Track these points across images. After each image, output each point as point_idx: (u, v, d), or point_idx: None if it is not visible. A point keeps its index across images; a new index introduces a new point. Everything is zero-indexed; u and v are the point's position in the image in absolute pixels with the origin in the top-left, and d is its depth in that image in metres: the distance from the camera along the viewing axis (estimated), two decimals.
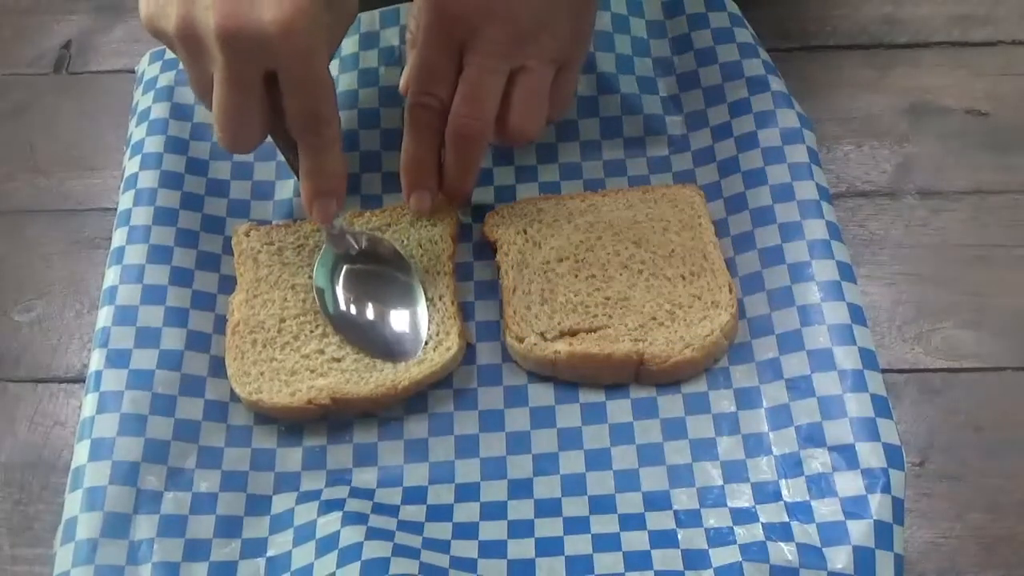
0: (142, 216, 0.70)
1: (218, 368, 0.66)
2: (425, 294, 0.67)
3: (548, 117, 0.67)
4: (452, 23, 0.62)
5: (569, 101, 0.67)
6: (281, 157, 0.69)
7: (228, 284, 0.70)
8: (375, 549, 0.56)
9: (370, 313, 0.67)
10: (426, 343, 0.65)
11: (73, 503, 0.60)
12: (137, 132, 0.75)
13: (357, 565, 0.55)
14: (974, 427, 0.66)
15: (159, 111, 0.75)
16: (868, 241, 0.73)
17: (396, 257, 0.68)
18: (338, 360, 0.65)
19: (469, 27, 0.62)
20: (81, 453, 0.61)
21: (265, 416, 0.65)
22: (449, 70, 0.63)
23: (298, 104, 0.58)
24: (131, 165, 0.73)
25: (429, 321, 0.66)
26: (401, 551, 0.56)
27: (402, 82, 0.67)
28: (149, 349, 0.65)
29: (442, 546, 0.58)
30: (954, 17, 0.84)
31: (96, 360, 0.64)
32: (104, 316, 0.66)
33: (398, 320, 0.67)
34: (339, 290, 0.67)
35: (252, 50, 0.54)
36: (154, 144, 0.73)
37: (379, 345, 0.66)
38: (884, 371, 0.62)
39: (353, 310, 0.67)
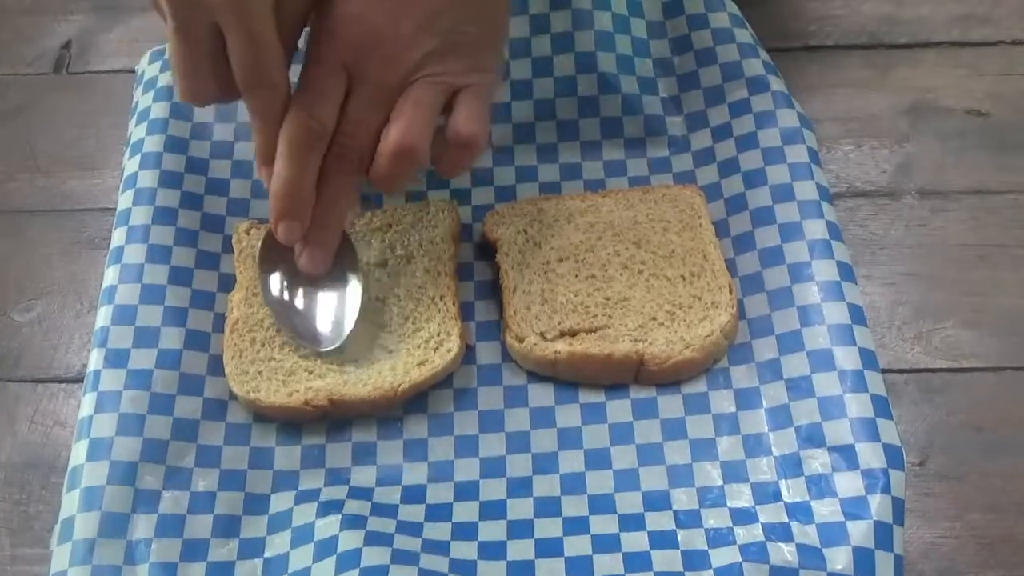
0: (141, 216, 0.69)
1: (217, 367, 0.66)
2: (426, 294, 0.67)
3: (460, 141, 0.62)
4: (341, 47, 0.59)
5: (478, 126, 0.62)
6: None
7: (228, 283, 0.70)
8: (374, 556, 0.56)
9: (299, 298, 0.67)
10: (426, 343, 0.65)
11: (70, 503, 0.60)
12: (137, 132, 0.74)
13: (356, 572, 0.55)
14: (974, 427, 0.66)
15: (159, 111, 0.75)
16: (868, 241, 0.73)
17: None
18: (337, 362, 0.65)
19: (358, 51, 0.59)
20: (79, 453, 0.61)
21: (264, 415, 0.65)
22: (335, 94, 0.60)
23: (236, 59, 0.57)
24: (130, 165, 0.73)
25: (429, 321, 0.66)
26: (400, 557, 0.56)
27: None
28: (147, 348, 0.65)
29: (441, 548, 0.58)
30: (954, 17, 0.84)
31: (95, 360, 0.64)
32: (103, 316, 0.66)
33: (324, 306, 0.66)
34: (276, 275, 0.67)
35: (192, 2, 0.55)
36: (154, 144, 0.73)
37: (304, 332, 0.66)
38: (884, 371, 0.62)
39: (286, 295, 0.67)
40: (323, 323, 0.66)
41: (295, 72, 0.61)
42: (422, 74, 0.60)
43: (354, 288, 0.67)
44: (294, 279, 0.66)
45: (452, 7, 0.59)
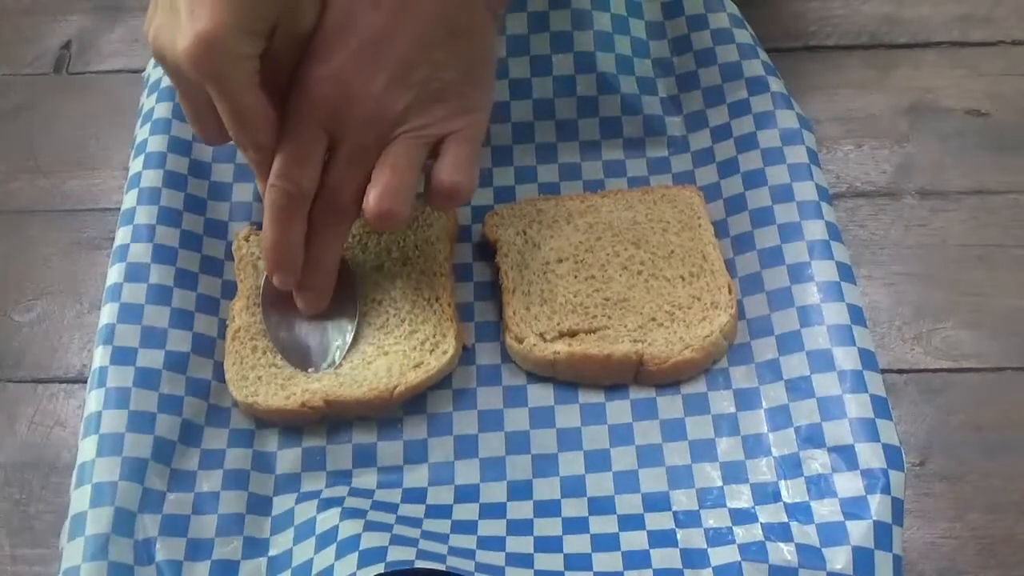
0: (146, 215, 0.69)
1: (221, 373, 0.66)
2: (422, 295, 0.67)
3: (443, 191, 0.62)
4: (318, 108, 0.59)
5: (462, 175, 0.61)
6: None
7: (230, 289, 0.70)
8: (372, 540, 0.56)
9: (296, 325, 0.67)
10: (422, 345, 0.65)
11: (81, 498, 0.59)
12: (141, 132, 0.74)
13: (355, 555, 0.56)
14: (974, 427, 0.66)
15: (162, 111, 0.74)
16: (868, 241, 0.73)
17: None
18: (336, 367, 0.65)
19: (334, 112, 0.59)
20: (88, 448, 0.61)
21: (264, 419, 0.65)
22: (315, 155, 0.60)
23: (226, 124, 0.58)
24: (135, 164, 0.73)
25: (425, 323, 0.66)
26: (399, 540, 0.56)
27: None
28: (155, 349, 0.65)
29: (440, 538, 0.58)
30: (954, 17, 0.84)
31: (100, 356, 0.64)
32: (108, 313, 0.66)
33: (325, 334, 0.67)
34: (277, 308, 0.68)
35: (176, 72, 0.57)
36: (157, 143, 0.73)
37: (297, 353, 0.67)
38: (884, 371, 0.63)
39: (285, 324, 0.68)
40: (322, 349, 0.67)
41: None
42: (402, 130, 0.60)
43: (349, 317, 0.67)
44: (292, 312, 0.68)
45: (425, 57, 0.59)
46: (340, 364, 0.65)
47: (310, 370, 0.65)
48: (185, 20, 0.54)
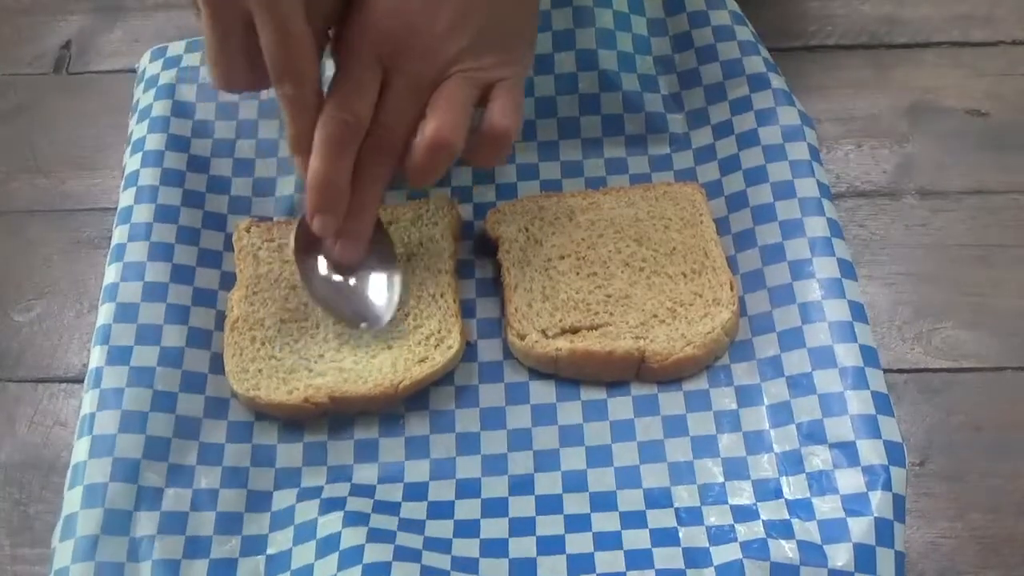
0: (143, 214, 0.70)
1: (219, 365, 0.66)
2: (426, 291, 0.67)
3: (495, 133, 0.62)
4: (377, 40, 0.60)
5: (512, 119, 0.62)
6: (283, 153, 0.70)
7: (229, 281, 0.70)
8: (377, 552, 0.56)
9: (344, 279, 0.67)
10: (427, 340, 0.65)
11: (73, 500, 0.59)
12: (138, 130, 0.74)
13: (358, 569, 0.55)
14: (974, 427, 0.66)
15: (160, 109, 0.75)
16: (868, 241, 0.73)
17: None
18: (337, 361, 0.65)
19: (394, 45, 0.60)
20: (81, 450, 0.61)
21: (265, 413, 0.65)
22: (371, 87, 0.61)
23: (268, 52, 0.58)
24: (132, 163, 0.73)
25: (430, 319, 0.66)
26: (402, 554, 0.56)
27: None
28: (150, 346, 0.65)
29: (443, 545, 0.58)
30: (954, 17, 0.84)
31: (96, 357, 0.64)
32: (104, 313, 0.66)
33: (374, 286, 0.67)
34: (317, 264, 0.67)
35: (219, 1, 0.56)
36: (155, 142, 0.73)
37: (350, 311, 0.66)
38: (884, 371, 0.62)
39: (333, 280, 0.67)
40: (376, 300, 0.66)
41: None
42: (457, 69, 0.61)
43: (392, 262, 0.67)
44: (335, 266, 0.67)
45: (484, 4, 0.60)
46: (393, 319, 0.65)
47: (363, 325, 0.65)
48: None
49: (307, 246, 0.66)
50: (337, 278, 0.67)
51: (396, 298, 0.66)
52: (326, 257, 0.66)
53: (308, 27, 0.58)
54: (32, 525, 0.65)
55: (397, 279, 0.67)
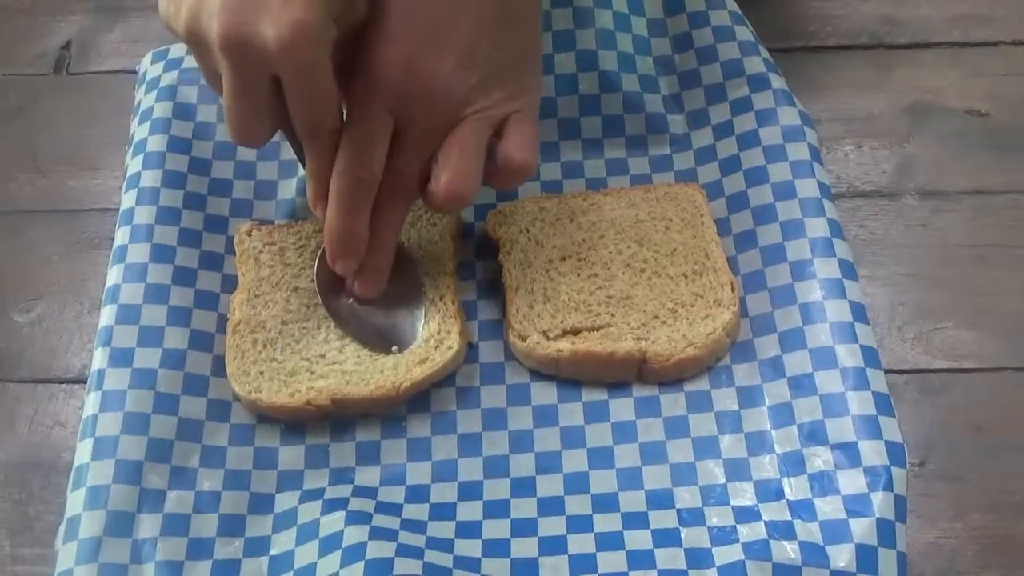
0: (145, 215, 0.69)
1: (220, 367, 0.66)
2: (426, 294, 0.67)
3: (512, 167, 0.63)
4: (385, 92, 0.59)
5: (529, 152, 0.63)
6: (284, 156, 0.69)
7: (231, 283, 0.70)
8: (379, 549, 0.56)
9: (373, 309, 0.67)
10: (427, 342, 0.65)
11: (76, 501, 0.59)
12: (139, 131, 0.74)
13: (360, 565, 0.55)
14: (974, 427, 0.66)
15: (161, 110, 0.75)
16: (868, 241, 0.73)
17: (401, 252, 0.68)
18: (339, 363, 0.65)
19: (402, 96, 0.59)
20: (84, 451, 0.61)
21: (267, 415, 0.65)
22: (382, 138, 0.60)
23: (299, 112, 0.58)
24: (133, 164, 0.73)
25: (430, 320, 0.66)
26: (405, 551, 0.56)
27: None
28: (152, 348, 0.65)
29: (446, 545, 0.58)
30: (954, 17, 0.84)
31: (99, 359, 0.64)
32: (107, 315, 0.66)
33: (398, 312, 0.67)
34: (340, 297, 0.67)
35: (253, 60, 0.55)
36: (157, 143, 0.73)
37: (378, 336, 0.66)
38: (884, 371, 0.62)
39: (358, 311, 0.67)
40: (404, 324, 0.67)
41: None
42: (469, 111, 0.60)
43: (417, 284, 0.68)
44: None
45: (489, 37, 0.59)
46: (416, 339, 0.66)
47: (394, 349, 0.65)
48: (278, 8, 0.53)
49: (328, 277, 0.67)
50: (365, 307, 0.67)
51: (422, 319, 0.67)
52: (348, 291, 0.67)
53: (334, 83, 0.57)
54: (32, 525, 0.65)
55: (423, 301, 0.67)
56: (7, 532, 0.65)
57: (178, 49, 0.79)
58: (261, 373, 0.65)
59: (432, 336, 0.65)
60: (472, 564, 0.57)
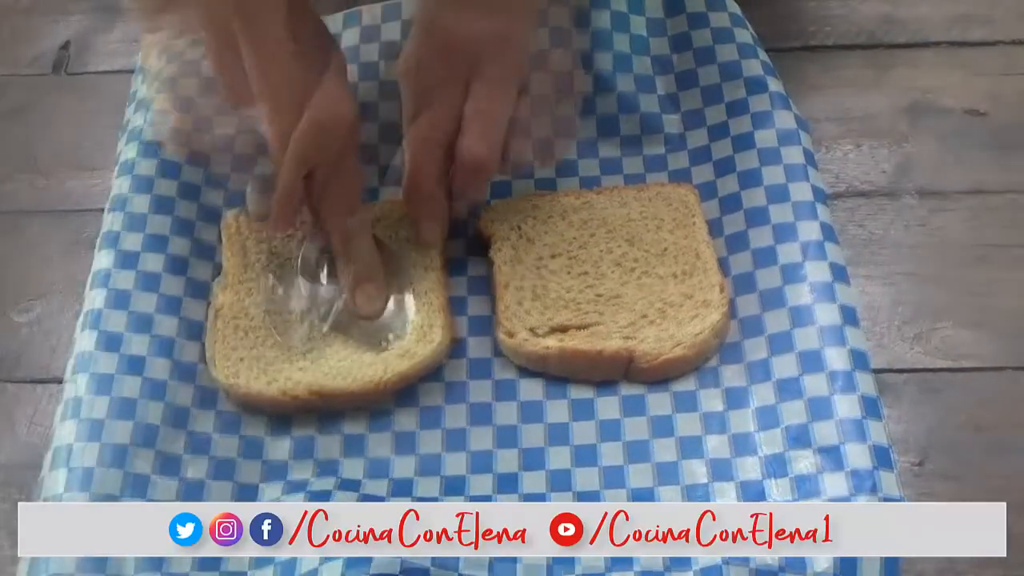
0: (139, 204, 0.70)
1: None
2: (413, 289, 0.68)
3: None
4: (455, 53, 0.61)
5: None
6: None
7: None
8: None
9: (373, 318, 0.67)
10: (411, 336, 0.65)
11: (56, 481, 0.59)
12: (135, 119, 0.75)
13: (340, 562, 0.55)
14: (974, 427, 0.65)
15: (162, 102, 0.74)
16: (867, 241, 0.73)
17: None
18: (323, 356, 0.66)
19: (472, 54, 0.61)
20: (66, 432, 0.61)
21: (252, 405, 0.65)
22: (455, 102, 0.62)
23: (330, 194, 0.61)
24: (127, 150, 0.73)
25: (416, 314, 0.66)
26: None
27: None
28: (142, 335, 0.65)
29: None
30: (953, 17, 0.84)
31: (87, 341, 0.65)
32: (95, 298, 0.66)
33: (390, 307, 0.67)
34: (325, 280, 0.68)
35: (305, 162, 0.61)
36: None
37: (363, 330, 0.67)
38: (884, 371, 0.63)
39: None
40: (395, 320, 0.67)
41: None
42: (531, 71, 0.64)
43: (404, 281, 0.69)
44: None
45: None
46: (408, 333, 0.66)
47: (382, 343, 0.66)
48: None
49: (313, 267, 0.68)
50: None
51: (410, 315, 0.67)
52: (346, 306, 0.67)
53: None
54: None
55: (410, 296, 0.68)
56: (7, 532, 0.65)
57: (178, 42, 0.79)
58: (241, 359, 0.65)
59: (416, 330, 0.65)
60: (451, 563, 0.57)
